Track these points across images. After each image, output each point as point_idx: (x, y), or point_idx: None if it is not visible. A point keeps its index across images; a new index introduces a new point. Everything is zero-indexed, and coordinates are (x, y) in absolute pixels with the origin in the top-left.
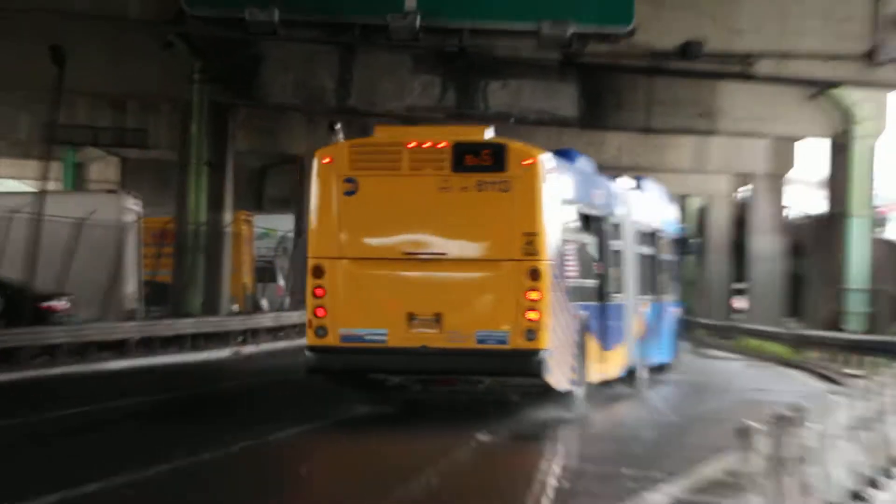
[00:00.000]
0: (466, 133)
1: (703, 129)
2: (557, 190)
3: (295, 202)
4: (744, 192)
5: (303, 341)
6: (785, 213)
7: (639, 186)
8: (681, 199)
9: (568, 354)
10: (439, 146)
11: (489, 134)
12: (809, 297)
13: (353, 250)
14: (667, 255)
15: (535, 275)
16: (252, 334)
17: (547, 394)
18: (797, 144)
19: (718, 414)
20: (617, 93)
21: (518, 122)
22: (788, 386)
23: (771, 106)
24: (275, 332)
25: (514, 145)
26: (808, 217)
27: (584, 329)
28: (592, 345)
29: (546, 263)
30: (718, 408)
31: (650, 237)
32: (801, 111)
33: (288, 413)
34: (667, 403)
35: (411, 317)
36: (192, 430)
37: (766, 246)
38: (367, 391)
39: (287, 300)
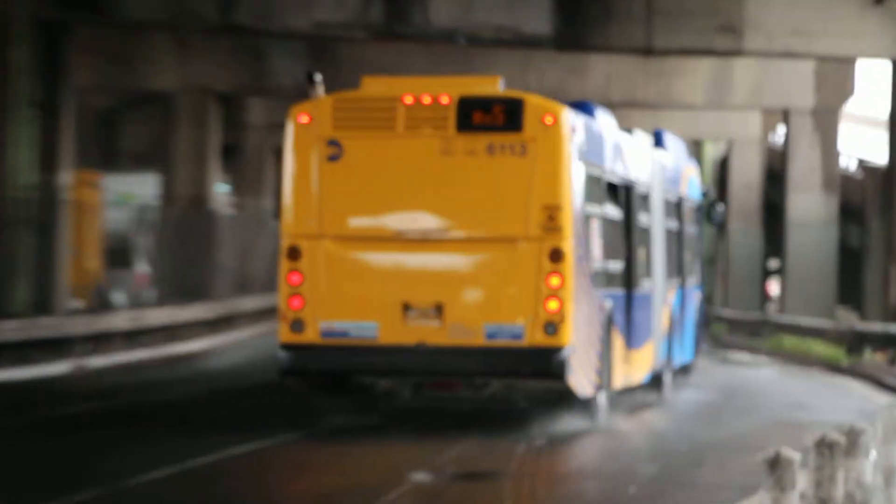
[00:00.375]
0: (474, 84)
1: (724, 49)
2: (582, 153)
3: (161, 156)
4: (779, 135)
5: (177, 349)
6: (837, 163)
7: (659, 143)
8: (693, 147)
9: (592, 353)
10: (441, 101)
11: (502, 86)
12: (870, 279)
13: (337, 228)
14: (690, 228)
15: (557, 256)
16: (100, 341)
17: (563, 401)
18: (854, 68)
19: (743, 440)
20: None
21: (470, 42)
22: (839, 401)
23: (819, 15)
24: (133, 337)
25: (533, 99)
26: (869, 168)
27: (609, 322)
28: (618, 342)
29: (570, 242)
30: (743, 431)
31: (675, 207)
32: (861, 22)
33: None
34: (674, 425)
35: (407, 307)
36: None
37: (810, 209)
38: (348, 397)
39: (152, 292)
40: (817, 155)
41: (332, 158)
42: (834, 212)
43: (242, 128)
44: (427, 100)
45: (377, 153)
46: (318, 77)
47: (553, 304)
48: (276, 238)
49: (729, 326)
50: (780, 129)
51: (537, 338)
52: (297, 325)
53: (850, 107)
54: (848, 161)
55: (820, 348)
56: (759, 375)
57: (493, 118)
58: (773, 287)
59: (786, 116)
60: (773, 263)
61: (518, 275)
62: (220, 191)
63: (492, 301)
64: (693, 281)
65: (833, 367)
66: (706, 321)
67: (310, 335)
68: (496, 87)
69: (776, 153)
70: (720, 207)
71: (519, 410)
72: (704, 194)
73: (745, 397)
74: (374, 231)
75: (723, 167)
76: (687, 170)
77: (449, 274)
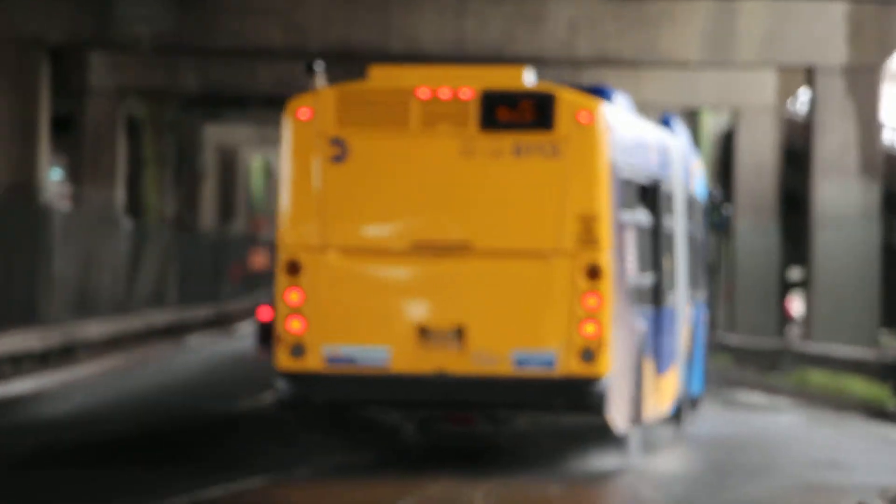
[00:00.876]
0: (499, 76)
1: None
2: (617, 153)
3: None
4: (801, 102)
5: None
6: (879, 138)
7: (669, 129)
8: (687, 118)
9: (629, 382)
10: (462, 94)
11: (530, 78)
12: None
13: (343, 239)
14: (700, 233)
15: (594, 273)
16: None
17: (596, 436)
18: None
19: None
20: None
21: None
22: (884, 457)
23: None
24: None
25: (567, 94)
26: None
27: (642, 346)
28: (648, 368)
29: (609, 257)
30: (756, 499)
31: (689, 208)
32: None
33: None
34: (663, 491)
35: (423, 331)
36: None
37: (843, 199)
38: (347, 430)
39: None
40: (852, 127)
41: (337, 159)
42: (875, 203)
43: (81, 93)
44: (445, 93)
45: (388, 154)
46: (320, 66)
47: (590, 328)
48: (131, 241)
49: (735, 357)
50: (803, 95)
51: (572, 366)
52: (297, 350)
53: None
54: (893, 135)
55: (859, 386)
56: (778, 423)
57: (521, 115)
58: (796, 305)
59: (810, 77)
60: (796, 273)
61: (550, 294)
62: (52, 178)
63: (520, 324)
64: (703, 295)
65: (876, 412)
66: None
67: (311, 362)
68: (522, 78)
69: (797, 126)
70: (727, 210)
71: (538, 447)
72: (710, 193)
73: (760, 452)
74: (384, 243)
75: (726, 145)
76: (695, 164)
77: (471, 292)
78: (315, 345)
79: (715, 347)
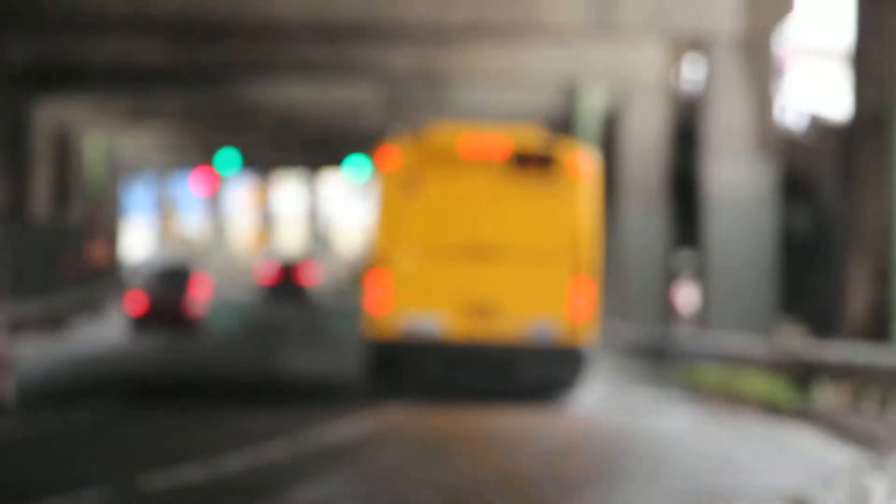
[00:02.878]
0: (523, 136)
1: None
2: (595, 187)
3: None
4: (693, 74)
5: None
6: (776, 116)
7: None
8: (567, 94)
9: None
10: (497, 149)
11: (542, 139)
12: (822, 281)
13: (413, 244)
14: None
15: (581, 270)
16: None
17: (571, 384)
18: None
19: None
20: None
21: None
22: (781, 459)
23: None
24: None
25: (565, 154)
26: (821, 125)
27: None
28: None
29: (589, 261)
30: None
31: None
32: None
33: None
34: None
35: (467, 307)
36: None
37: (737, 181)
38: (408, 378)
39: None
40: (746, 104)
41: (412, 190)
42: (772, 185)
43: None
44: (486, 146)
45: (444, 189)
46: (402, 127)
47: (581, 306)
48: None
49: (626, 351)
50: (694, 68)
51: (568, 334)
52: (380, 322)
53: (796, 35)
54: (793, 115)
55: (755, 383)
56: (667, 425)
57: (538, 163)
58: (684, 294)
59: (699, 48)
60: (683, 263)
61: (556, 284)
62: None
63: (533, 302)
64: None
65: (773, 410)
66: None
67: (391, 329)
68: (539, 137)
69: (688, 103)
70: None
71: (534, 388)
72: None
73: (648, 457)
74: (444, 249)
75: (612, 123)
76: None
77: (500, 282)
78: (394, 317)
79: (607, 341)
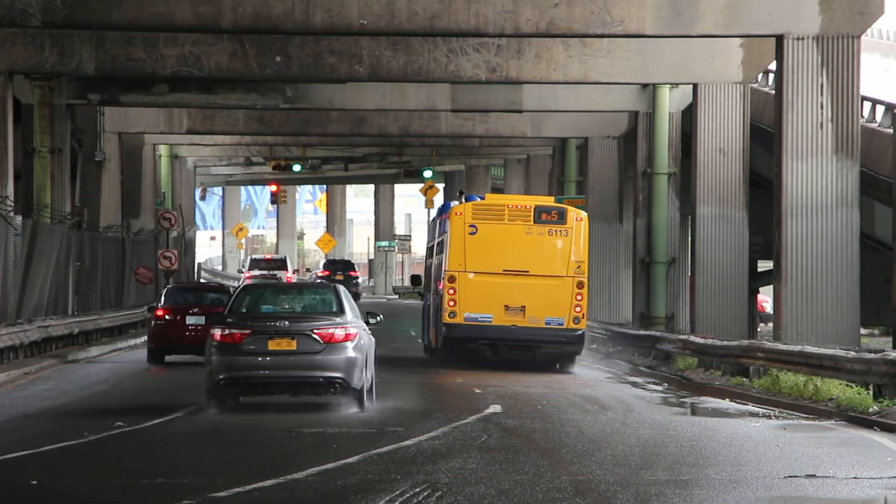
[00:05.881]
0: (543, 200)
1: None
2: (587, 230)
3: None
4: (770, 79)
5: None
6: (858, 114)
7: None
8: (643, 92)
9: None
10: (527, 207)
11: (553, 202)
12: None
13: (473, 266)
14: None
15: (581, 286)
16: None
17: (573, 358)
18: None
19: None
20: None
21: None
22: (865, 468)
23: None
24: None
25: (570, 208)
26: None
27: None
28: None
29: (586, 279)
30: None
31: None
32: None
33: None
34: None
35: (507, 307)
36: None
37: (816, 183)
38: (467, 352)
39: None
40: (827, 102)
41: (472, 233)
42: (854, 187)
43: None
44: (520, 206)
45: (494, 232)
46: (463, 197)
47: (578, 309)
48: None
49: (699, 359)
50: (771, 69)
51: (570, 325)
52: (452, 315)
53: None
54: (872, 111)
55: (836, 389)
56: (746, 432)
57: (551, 216)
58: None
59: (779, 46)
60: (765, 266)
61: (563, 294)
62: None
63: (549, 305)
64: None
65: (856, 418)
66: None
67: (458, 319)
68: (552, 200)
69: (765, 103)
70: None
71: (548, 361)
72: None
73: (728, 464)
74: (491, 269)
75: (687, 123)
76: None
77: (528, 291)
78: (460, 312)
79: (677, 348)
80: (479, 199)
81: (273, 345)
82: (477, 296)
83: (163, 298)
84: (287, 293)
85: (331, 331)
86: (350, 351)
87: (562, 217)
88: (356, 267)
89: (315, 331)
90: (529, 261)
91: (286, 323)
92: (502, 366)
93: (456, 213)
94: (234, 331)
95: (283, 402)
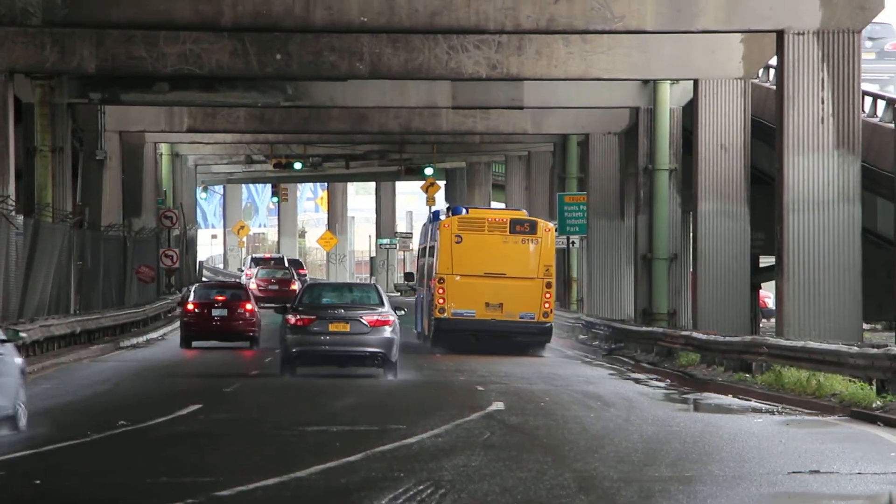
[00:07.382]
0: (517, 214)
1: None
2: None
3: None
4: (770, 74)
5: None
6: (858, 109)
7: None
8: (644, 88)
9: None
10: (504, 220)
11: (526, 215)
12: None
13: (459, 270)
14: None
15: (549, 286)
16: None
17: (543, 345)
18: None
19: None
20: None
21: None
22: (869, 463)
23: None
24: None
25: (541, 221)
26: None
27: None
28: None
29: (553, 279)
30: None
31: None
32: None
33: None
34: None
35: (487, 304)
36: None
37: (817, 178)
38: (457, 341)
39: None
40: (828, 97)
41: (457, 242)
42: (855, 182)
43: None
44: (497, 219)
45: (476, 240)
46: (450, 211)
47: (546, 305)
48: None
49: (701, 356)
50: (771, 64)
51: (540, 318)
52: (442, 310)
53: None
54: (873, 106)
55: (839, 385)
56: (749, 428)
57: (524, 228)
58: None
59: (780, 41)
60: (766, 262)
61: (534, 292)
62: None
63: (522, 302)
64: None
65: (860, 414)
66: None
67: (447, 315)
68: (525, 214)
69: (766, 99)
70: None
71: (521, 348)
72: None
73: (731, 461)
74: (474, 272)
75: (688, 119)
76: None
77: (505, 291)
78: (448, 308)
79: (679, 345)
80: (464, 213)
81: (333, 327)
82: (462, 294)
83: (192, 294)
84: (341, 290)
85: (375, 317)
86: (388, 333)
87: (533, 228)
88: (293, 265)
89: (363, 317)
90: (506, 265)
91: (342, 311)
92: (501, 363)
93: (444, 225)
94: (303, 316)
95: (286, 400)
